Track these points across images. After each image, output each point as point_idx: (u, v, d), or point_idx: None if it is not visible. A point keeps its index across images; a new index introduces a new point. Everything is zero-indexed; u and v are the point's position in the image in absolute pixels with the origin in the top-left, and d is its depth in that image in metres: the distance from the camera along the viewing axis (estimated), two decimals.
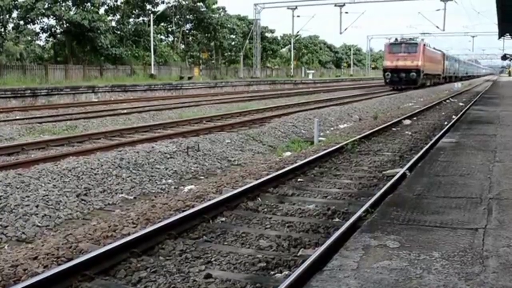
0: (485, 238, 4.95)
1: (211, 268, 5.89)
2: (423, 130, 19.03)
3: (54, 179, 9.09)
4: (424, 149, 12.87)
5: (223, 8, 70.94)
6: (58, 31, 51.12)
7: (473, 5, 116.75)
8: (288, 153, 13.75)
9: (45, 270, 5.62)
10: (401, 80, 47.72)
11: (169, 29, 66.17)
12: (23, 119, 20.77)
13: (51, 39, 53.38)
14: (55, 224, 7.75)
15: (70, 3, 49.08)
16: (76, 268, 5.40)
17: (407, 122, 21.45)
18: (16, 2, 45.85)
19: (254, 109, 24.99)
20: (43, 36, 53.12)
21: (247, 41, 70.71)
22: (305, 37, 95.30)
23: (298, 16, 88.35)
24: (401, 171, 10.16)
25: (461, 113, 22.25)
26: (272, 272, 5.79)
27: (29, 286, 4.91)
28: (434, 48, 58.99)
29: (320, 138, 16.18)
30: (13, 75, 36.80)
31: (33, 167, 9.62)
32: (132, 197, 9.44)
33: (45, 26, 50.60)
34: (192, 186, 10.03)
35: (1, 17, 42.86)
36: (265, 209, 8.32)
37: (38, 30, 51.92)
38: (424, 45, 50.66)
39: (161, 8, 60.71)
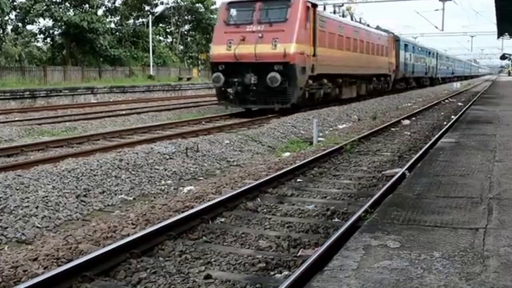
0: (485, 237, 4.95)
1: (210, 268, 5.88)
2: (422, 130, 19.03)
3: (54, 180, 9.08)
4: (424, 149, 12.86)
5: None
6: (56, 32, 51.12)
7: (471, 5, 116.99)
8: (287, 154, 13.75)
9: (45, 271, 5.61)
10: (250, 92, 21.67)
11: (168, 30, 66.16)
12: (22, 120, 20.77)
13: (49, 41, 53.37)
14: (55, 225, 7.74)
15: (68, 4, 49.10)
16: (76, 269, 5.39)
17: (406, 122, 21.46)
18: (14, 3, 45.86)
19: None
20: (41, 37, 53.15)
21: None
22: None
23: None
24: (400, 171, 10.15)
25: (460, 113, 22.26)
26: (272, 273, 5.78)
27: (29, 287, 4.90)
28: (368, 26, 34.30)
29: (319, 139, 16.18)
30: (12, 76, 36.80)
31: (32, 169, 9.60)
32: (131, 198, 9.43)
33: (43, 28, 50.65)
34: (192, 187, 10.02)
35: (0, 18, 42.83)
36: (265, 210, 8.32)
37: (36, 31, 51.96)
38: (313, 5, 23.04)
39: (159, 9, 60.75)
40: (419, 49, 52.83)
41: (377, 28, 38.20)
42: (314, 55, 22.75)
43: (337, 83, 26.54)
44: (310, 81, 22.76)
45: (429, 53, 58.72)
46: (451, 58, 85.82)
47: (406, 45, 45.56)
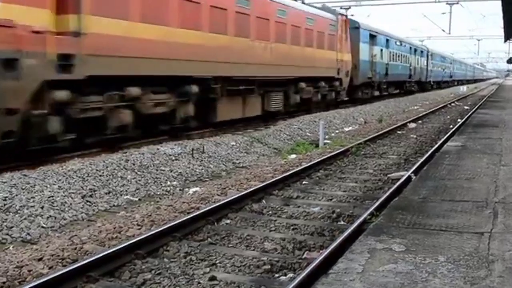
0: (490, 242, 4.94)
1: (215, 270, 5.88)
2: (428, 133, 19.01)
3: (60, 180, 9.10)
4: (430, 152, 12.85)
5: None
6: None
7: (479, 8, 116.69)
8: (293, 156, 13.74)
9: (50, 271, 5.63)
10: None
11: None
12: None
13: None
14: (60, 225, 7.75)
15: None
16: (81, 269, 5.41)
17: (412, 125, 21.43)
18: None
19: None
20: None
21: None
22: None
23: None
24: (406, 174, 10.13)
25: (467, 116, 22.22)
26: (276, 275, 5.77)
27: (34, 287, 4.91)
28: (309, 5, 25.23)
29: (325, 141, 16.18)
30: None
31: (38, 168, 9.62)
32: (137, 199, 9.44)
33: None
34: (197, 188, 10.03)
35: None
36: (270, 212, 8.31)
37: None
38: None
39: None
40: (398, 43, 40.18)
41: (322, 8, 26.23)
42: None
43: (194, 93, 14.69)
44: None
45: (416, 50, 47.50)
46: (448, 58, 74.20)
47: (373, 36, 32.72)
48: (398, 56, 40.02)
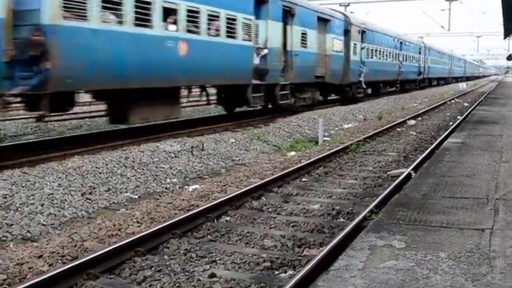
0: (492, 238, 4.93)
1: (215, 267, 5.88)
2: (428, 130, 19.00)
3: (59, 178, 9.08)
4: (430, 149, 12.85)
5: None
6: None
7: (478, 5, 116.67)
8: (293, 153, 13.74)
9: (50, 269, 5.62)
10: None
11: None
12: (28, 117, 20.75)
13: None
14: (60, 222, 7.74)
15: None
16: (81, 266, 5.41)
17: (412, 122, 21.42)
18: None
19: None
20: None
21: None
22: None
23: None
24: (406, 171, 10.13)
25: (466, 113, 22.21)
26: (276, 272, 5.77)
27: (34, 284, 4.90)
28: None
29: (325, 138, 16.17)
30: None
31: (38, 166, 9.61)
32: (137, 196, 9.43)
33: None
34: (197, 186, 10.02)
35: None
36: (270, 209, 8.31)
37: None
38: None
39: None
40: (378, 36, 33.70)
41: None
42: None
43: None
44: None
45: (405, 45, 41.41)
46: (446, 54, 67.63)
47: (323, 20, 24.03)
48: (380, 52, 33.84)
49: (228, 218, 7.80)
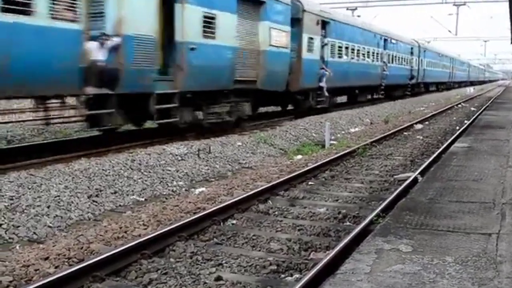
0: (498, 243, 4.91)
1: (221, 270, 5.87)
2: (435, 134, 18.96)
3: (66, 180, 9.10)
4: (436, 153, 12.81)
5: None
6: None
7: (486, 9, 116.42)
8: (299, 156, 13.73)
9: (56, 271, 5.63)
10: None
11: None
12: (35, 120, 20.82)
13: None
14: (67, 225, 7.76)
15: None
16: (87, 269, 5.41)
17: (419, 126, 21.37)
18: None
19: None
20: None
21: None
22: None
23: None
24: (413, 175, 10.10)
25: (473, 118, 22.15)
26: (282, 275, 5.76)
27: (40, 286, 4.91)
28: None
29: (331, 142, 16.16)
30: None
31: (45, 168, 9.63)
32: (143, 199, 9.44)
33: None
34: (203, 189, 10.02)
35: None
36: (276, 212, 8.30)
37: None
38: None
39: None
40: (349, 30, 26.53)
41: None
42: None
43: None
44: None
45: (386, 40, 33.51)
46: (447, 56, 59.79)
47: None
48: (353, 50, 26.93)
49: (234, 221, 7.80)
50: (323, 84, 22.41)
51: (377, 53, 31.38)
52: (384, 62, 32.64)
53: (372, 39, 30.50)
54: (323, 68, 22.53)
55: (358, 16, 42.49)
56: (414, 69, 41.61)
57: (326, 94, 22.77)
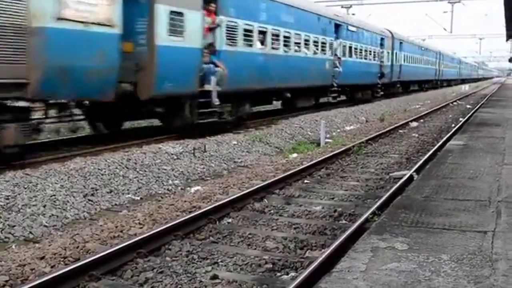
0: (494, 241, 4.92)
1: (217, 269, 5.88)
2: (430, 132, 18.99)
3: (62, 179, 9.09)
4: (432, 151, 12.84)
5: None
6: None
7: (480, 7, 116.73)
8: (295, 155, 13.73)
9: (52, 270, 5.62)
10: None
11: None
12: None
13: None
14: (62, 224, 7.75)
15: None
16: (83, 268, 5.40)
17: (414, 124, 21.41)
18: None
19: None
20: None
21: None
22: None
23: None
24: (408, 173, 10.12)
25: (469, 115, 22.19)
26: (278, 274, 5.77)
27: (36, 286, 4.91)
28: None
29: (327, 140, 16.16)
30: None
31: (40, 168, 9.61)
32: (139, 198, 9.43)
33: None
34: (199, 187, 10.02)
35: None
36: (272, 211, 8.31)
37: None
38: None
39: None
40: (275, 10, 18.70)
41: None
42: None
43: None
44: None
45: (338, 26, 25.70)
46: (431, 50, 52.78)
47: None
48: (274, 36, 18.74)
49: (230, 220, 7.80)
50: (211, 87, 14.57)
51: (324, 43, 23.62)
52: (335, 55, 25.15)
53: (315, 23, 22.72)
54: (211, 63, 14.78)
55: (353, 14, 42.30)
56: (385, 65, 33.92)
57: (217, 102, 14.78)
